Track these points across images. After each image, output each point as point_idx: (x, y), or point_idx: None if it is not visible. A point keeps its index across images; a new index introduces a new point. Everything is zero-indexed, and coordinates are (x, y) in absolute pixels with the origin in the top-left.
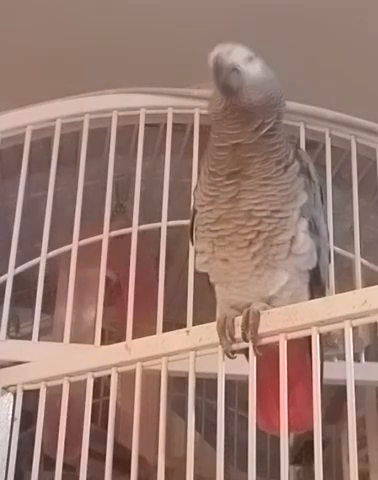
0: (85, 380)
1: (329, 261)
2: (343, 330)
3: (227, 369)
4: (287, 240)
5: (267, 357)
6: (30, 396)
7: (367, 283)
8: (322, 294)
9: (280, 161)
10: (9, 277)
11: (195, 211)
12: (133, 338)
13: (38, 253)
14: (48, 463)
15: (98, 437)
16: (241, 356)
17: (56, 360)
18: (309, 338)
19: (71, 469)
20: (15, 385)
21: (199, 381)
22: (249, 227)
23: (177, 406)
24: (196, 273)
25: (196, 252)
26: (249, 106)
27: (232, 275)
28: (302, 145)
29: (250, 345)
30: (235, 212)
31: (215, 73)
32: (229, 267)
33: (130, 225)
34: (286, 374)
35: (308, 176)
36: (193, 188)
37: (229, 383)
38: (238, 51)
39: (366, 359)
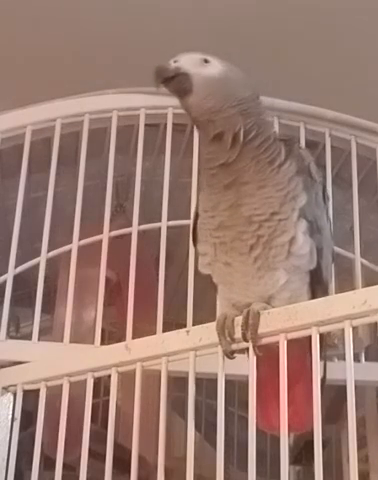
0: (85, 380)
1: (332, 260)
2: (343, 330)
3: (227, 369)
4: (286, 242)
5: (267, 357)
6: (30, 396)
7: (367, 283)
8: (325, 293)
9: (272, 161)
10: (9, 277)
11: (197, 214)
12: (133, 338)
13: (38, 253)
14: (48, 463)
15: (98, 437)
16: (241, 356)
17: (56, 360)
18: (309, 338)
19: (71, 469)
20: (15, 385)
21: (199, 381)
22: (249, 233)
23: (177, 406)
24: (196, 273)
25: (199, 254)
26: (208, 110)
27: (235, 277)
28: (302, 145)
29: (250, 345)
30: (236, 218)
31: (155, 80)
32: (232, 270)
33: (130, 225)
34: (286, 374)
35: (309, 175)
36: (193, 188)
37: (229, 383)
38: (188, 57)
39: (366, 359)
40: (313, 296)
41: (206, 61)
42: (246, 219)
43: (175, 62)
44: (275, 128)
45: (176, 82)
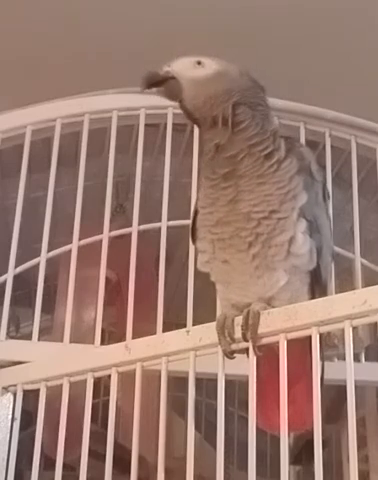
0: (85, 380)
1: (332, 260)
2: (343, 330)
3: (227, 369)
4: (285, 241)
5: (267, 357)
6: (30, 396)
7: (367, 283)
8: (324, 293)
9: (269, 156)
10: (9, 277)
11: (197, 211)
12: (133, 338)
13: (38, 253)
14: (48, 463)
15: (98, 437)
16: (241, 356)
17: (56, 360)
18: (309, 338)
19: (71, 469)
20: (15, 385)
21: (199, 381)
22: (248, 229)
23: (177, 406)
24: (196, 273)
25: (198, 251)
26: (199, 108)
27: (232, 276)
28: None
29: (250, 345)
30: (234, 215)
31: (142, 85)
32: (230, 268)
33: (130, 225)
34: (286, 374)
35: (310, 174)
36: (193, 188)
37: (229, 383)
38: (181, 61)
39: (366, 359)
40: (312, 297)
41: (199, 63)
42: (244, 215)
43: (168, 67)
44: (276, 125)
45: (166, 87)
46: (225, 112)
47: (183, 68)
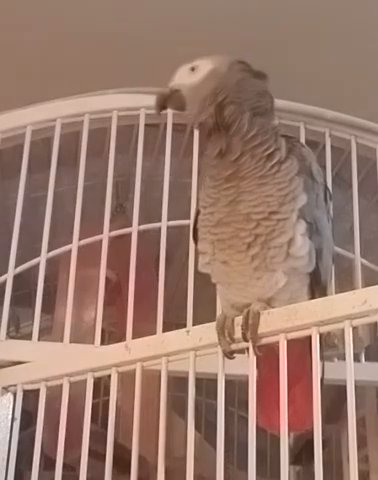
0: (85, 380)
1: (333, 262)
2: (343, 330)
3: (227, 369)
4: (284, 242)
5: (267, 357)
6: (30, 396)
7: (367, 283)
8: (323, 295)
9: (271, 156)
10: (9, 277)
11: (198, 212)
12: (133, 338)
13: (38, 253)
14: (48, 463)
15: (98, 437)
16: (241, 356)
17: (56, 360)
18: (309, 338)
19: (71, 469)
20: (15, 385)
21: (199, 381)
22: (247, 230)
23: (177, 406)
24: (196, 273)
25: (199, 252)
26: (197, 113)
27: (232, 277)
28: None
29: (250, 345)
30: (235, 215)
31: (156, 108)
32: (229, 269)
33: (130, 225)
34: (286, 374)
35: (310, 176)
36: (193, 188)
37: (229, 383)
38: (179, 71)
39: (366, 359)
40: (312, 297)
41: (193, 69)
42: (244, 216)
43: (171, 82)
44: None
45: (172, 102)
46: (212, 117)
47: (181, 77)
